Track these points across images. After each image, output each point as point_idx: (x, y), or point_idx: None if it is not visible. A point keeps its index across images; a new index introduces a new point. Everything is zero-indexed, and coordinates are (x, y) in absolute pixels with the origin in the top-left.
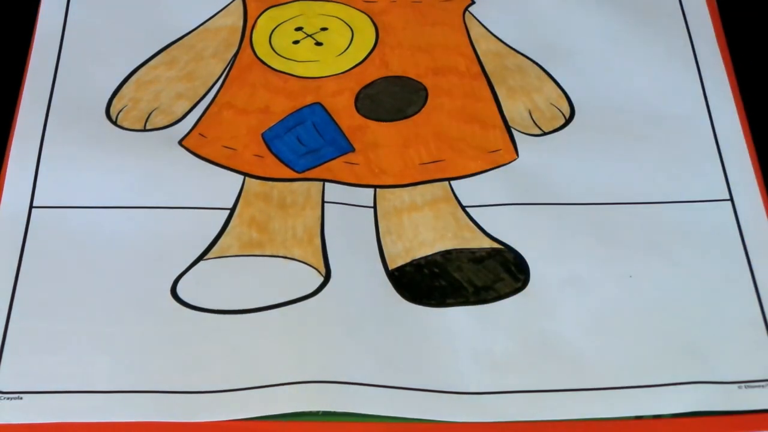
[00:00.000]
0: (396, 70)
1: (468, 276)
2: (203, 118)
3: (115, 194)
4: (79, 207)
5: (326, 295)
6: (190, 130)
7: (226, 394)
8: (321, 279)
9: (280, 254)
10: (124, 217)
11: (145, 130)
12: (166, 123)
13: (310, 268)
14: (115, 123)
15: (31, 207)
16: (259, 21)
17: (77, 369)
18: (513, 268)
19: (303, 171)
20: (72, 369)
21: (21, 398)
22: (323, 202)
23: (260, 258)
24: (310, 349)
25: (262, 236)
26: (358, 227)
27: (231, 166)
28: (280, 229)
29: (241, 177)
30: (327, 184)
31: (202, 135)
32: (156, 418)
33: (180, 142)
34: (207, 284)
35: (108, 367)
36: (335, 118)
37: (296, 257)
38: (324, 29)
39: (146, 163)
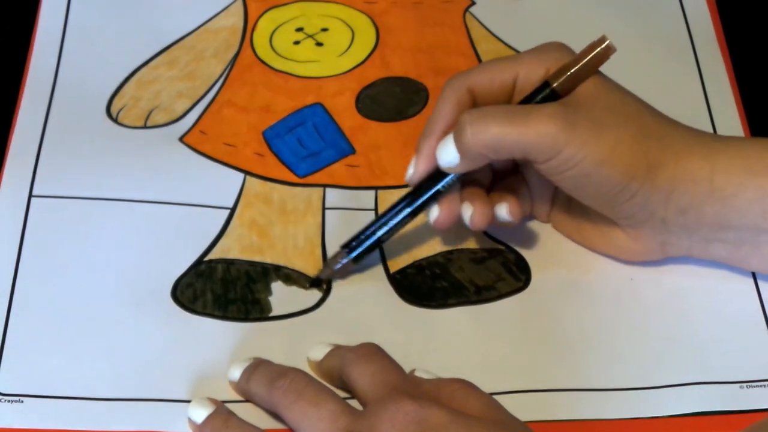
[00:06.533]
0: (397, 70)
1: (469, 276)
2: (204, 116)
3: (114, 187)
4: (79, 198)
5: (328, 305)
6: (191, 128)
7: (229, 405)
8: (321, 293)
9: (281, 263)
10: (124, 210)
11: (145, 127)
12: (166, 121)
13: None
14: (115, 120)
15: (30, 196)
16: (259, 22)
17: (78, 374)
18: (514, 268)
19: (304, 176)
20: (73, 374)
21: (22, 401)
22: (324, 208)
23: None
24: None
25: (262, 241)
26: None
27: (231, 163)
28: (280, 236)
29: (242, 175)
30: (327, 188)
31: (203, 132)
32: (157, 427)
33: (181, 139)
34: (207, 288)
35: (109, 374)
36: (336, 119)
37: (297, 268)
38: (324, 30)
39: (147, 159)
